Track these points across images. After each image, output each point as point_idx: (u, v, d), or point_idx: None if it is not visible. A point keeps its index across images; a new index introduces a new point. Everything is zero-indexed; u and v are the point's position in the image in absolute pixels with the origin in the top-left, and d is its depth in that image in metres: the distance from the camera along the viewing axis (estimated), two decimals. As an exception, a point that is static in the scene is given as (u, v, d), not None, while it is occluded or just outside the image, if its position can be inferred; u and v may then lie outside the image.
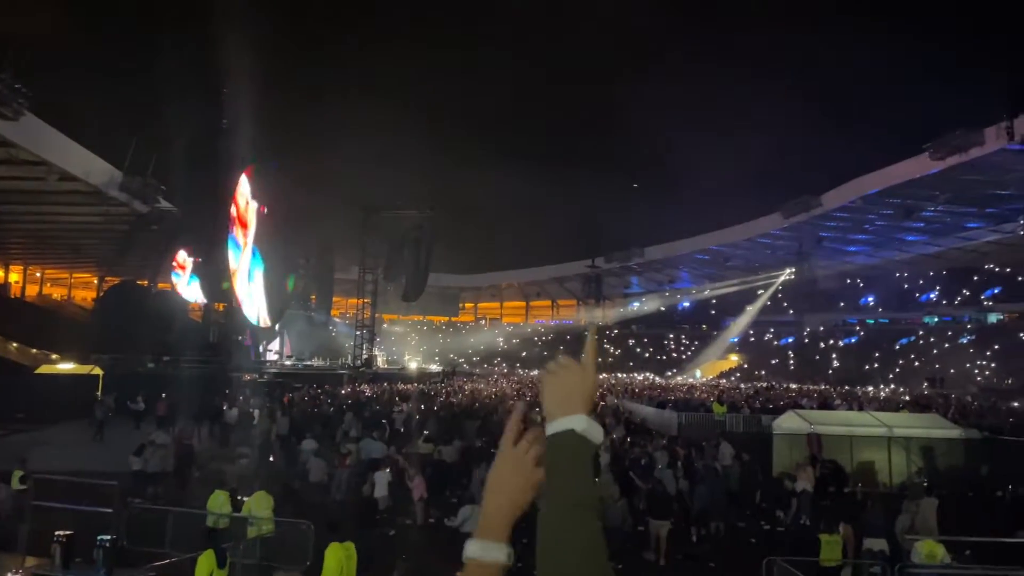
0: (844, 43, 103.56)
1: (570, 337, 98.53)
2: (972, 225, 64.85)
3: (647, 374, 79.64)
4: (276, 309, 52.52)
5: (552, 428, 1.29)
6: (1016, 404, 37.32)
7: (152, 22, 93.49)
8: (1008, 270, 66.25)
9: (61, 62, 69.81)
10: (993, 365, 58.93)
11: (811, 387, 55.90)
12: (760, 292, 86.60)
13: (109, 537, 9.08)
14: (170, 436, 19.21)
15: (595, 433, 1.28)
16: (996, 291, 68.66)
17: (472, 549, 1.29)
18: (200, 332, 42.22)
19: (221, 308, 44.59)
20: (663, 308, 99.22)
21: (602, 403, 34.61)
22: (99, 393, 29.22)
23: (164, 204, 45.08)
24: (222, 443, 22.24)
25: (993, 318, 68.14)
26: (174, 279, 46.40)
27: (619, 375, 79.15)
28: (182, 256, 45.62)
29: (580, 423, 1.28)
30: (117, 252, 49.94)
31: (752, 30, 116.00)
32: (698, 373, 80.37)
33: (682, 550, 13.28)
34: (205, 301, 43.79)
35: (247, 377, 39.98)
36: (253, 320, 47.89)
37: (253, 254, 47.51)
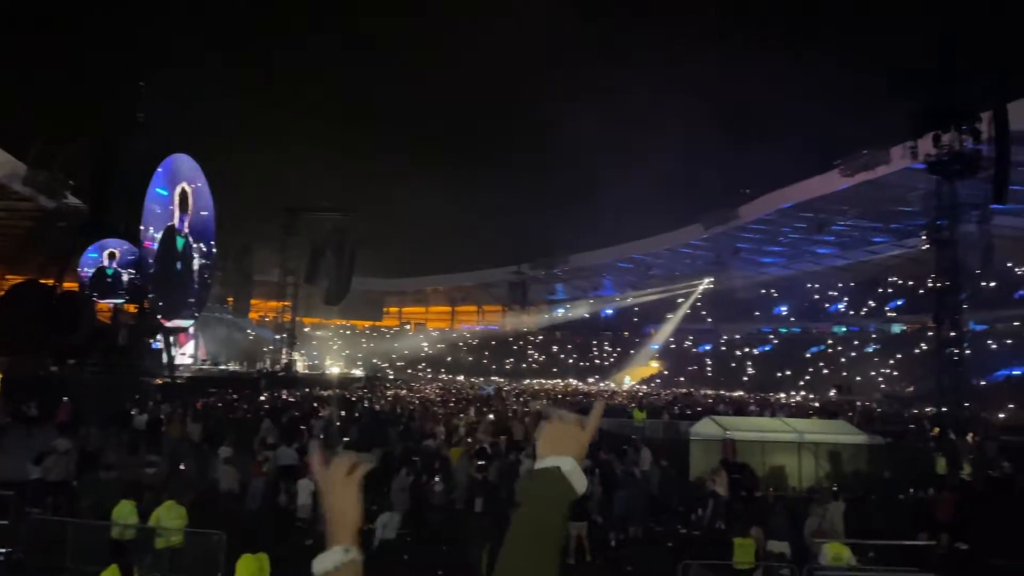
0: (764, 61, 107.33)
1: (495, 343, 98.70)
2: (878, 240, 68.09)
3: (570, 380, 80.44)
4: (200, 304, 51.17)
5: (541, 463, 1.37)
6: (916, 411, 39.23)
7: (67, 11, 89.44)
8: (911, 283, 69.65)
9: (-39, 47, 66.01)
10: (895, 374, 61.82)
11: (727, 393, 57.51)
12: (680, 300, 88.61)
13: (4, 551, 8.54)
14: (73, 443, 18.25)
15: (579, 480, 1.34)
16: (899, 303, 72.09)
17: (325, 564, 1.39)
18: (108, 334, 40.38)
19: (132, 309, 42.80)
20: (587, 315, 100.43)
21: (525, 409, 34.73)
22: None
23: (72, 200, 43.05)
24: (130, 450, 21.29)
25: (896, 329, 71.49)
26: (87, 272, 43.69)
27: (543, 381, 79.66)
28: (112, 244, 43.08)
29: (567, 464, 1.34)
30: (20, 249, 47.42)
31: (672, 47, 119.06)
32: (628, 380, 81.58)
33: (601, 555, 13.39)
34: (126, 298, 41.68)
35: (158, 381, 38.50)
36: (179, 318, 46.48)
37: (177, 246, 46.12)
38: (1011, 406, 42.62)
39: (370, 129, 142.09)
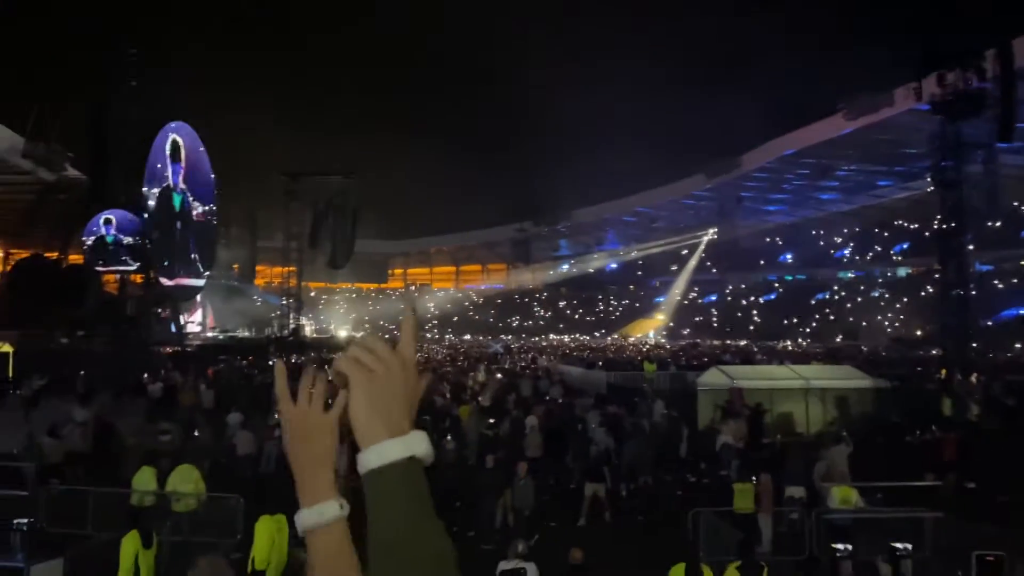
0: (763, 3, 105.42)
1: (500, 301, 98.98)
2: (882, 183, 67.60)
3: (577, 335, 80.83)
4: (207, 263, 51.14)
5: (380, 456, 0.93)
6: (923, 354, 39.38)
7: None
8: (916, 226, 69.33)
9: (-50, 21, 65.14)
10: (902, 317, 61.90)
11: (733, 343, 57.76)
12: (685, 252, 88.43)
13: (26, 520, 8.71)
14: (89, 413, 18.51)
15: (431, 455, 0.96)
16: (905, 246, 71.86)
17: (307, 519, 1.03)
18: (117, 305, 40.58)
19: (139, 280, 42.95)
20: (591, 270, 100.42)
21: (533, 365, 35.00)
22: (11, 371, 27.96)
23: (72, 172, 42.90)
24: (146, 418, 21.58)
25: (902, 272, 71.39)
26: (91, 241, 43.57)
27: (551, 337, 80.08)
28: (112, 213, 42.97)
29: (421, 444, 0.95)
30: (23, 223, 47.44)
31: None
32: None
33: (612, 505, 13.61)
34: (128, 265, 41.71)
35: (168, 350, 38.78)
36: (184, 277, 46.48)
37: (174, 204, 45.92)
38: (1017, 345, 42.78)
39: (369, 90, 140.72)
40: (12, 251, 50.09)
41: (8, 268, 48.33)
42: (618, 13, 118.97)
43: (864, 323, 63.38)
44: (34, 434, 15.11)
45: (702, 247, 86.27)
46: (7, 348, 30.38)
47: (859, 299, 70.01)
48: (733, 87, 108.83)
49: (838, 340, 57.33)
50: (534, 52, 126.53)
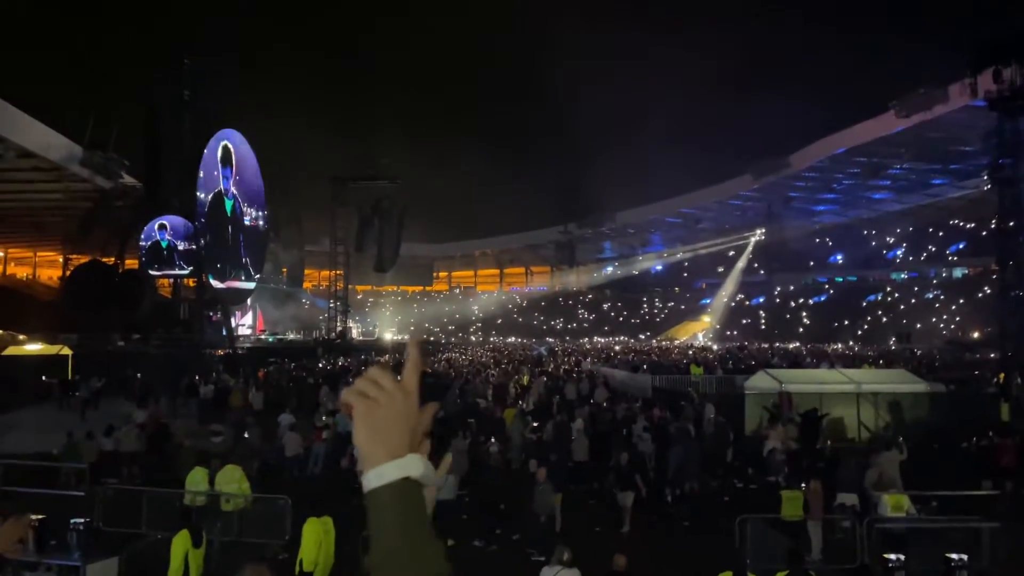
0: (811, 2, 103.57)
1: (544, 304, 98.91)
2: (937, 182, 65.73)
3: (621, 337, 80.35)
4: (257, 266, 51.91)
5: (379, 476, 0.98)
6: (979, 356, 38.20)
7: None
8: (972, 225, 67.34)
9: (17, 38, 67.74)
10: (958, 319, 60.16)
11: (782, 346, 56.79)
12: (732, 253, 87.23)
13: (83, 520, 8.99)
14: (146, 414, 19.04)
15: (430, 476, 1.02)
16: (961, 246, 69.85)
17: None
18: (170, 309, 41.68)
19: (192, 284, 44.00)
20: (636, 272, 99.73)
21: (577, 368, 34.90)
22: (70, 373, 28.89)
23: (128, 179, 44.20)
24: (199, 420, 22.11)
25: (958, 273, 69.40)
26: (147, 245, 44.45)
27: (596, 339, 79.75)
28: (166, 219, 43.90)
29: (417, 465, 1.00)
30: (81, 229, 49.00)
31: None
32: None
33: (657, 511, 13.47)
34: (183, 269, 42.63)
35: (220, 353, 39.64)
36: (235, 280, 47.28)
37: (226, 209, 46.80)
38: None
39: (415, 95, 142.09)
40: (71, 256, 51.72)
41: (67, 273, 49.91)
42: (664, 13, 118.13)
43: (918, 325, 61.74)
44: (73, 434, 15.52)
45: (749, 248, 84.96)
46: (67, 351, 31.42)
47: (913, 301, 68.27)
48: (781, 85, 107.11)
49: (891, 343, 55.91)
50: (579, 54, 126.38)
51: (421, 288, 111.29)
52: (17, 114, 36.58)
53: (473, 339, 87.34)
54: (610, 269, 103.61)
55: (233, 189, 48.10)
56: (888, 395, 19.92)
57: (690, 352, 50.39)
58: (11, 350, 32.86)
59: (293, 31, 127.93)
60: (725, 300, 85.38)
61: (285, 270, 72.39)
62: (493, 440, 15.41)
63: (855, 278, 79.65)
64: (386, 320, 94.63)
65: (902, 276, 74.82)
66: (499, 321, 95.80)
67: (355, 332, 70.67)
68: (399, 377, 1.07)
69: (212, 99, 43.57)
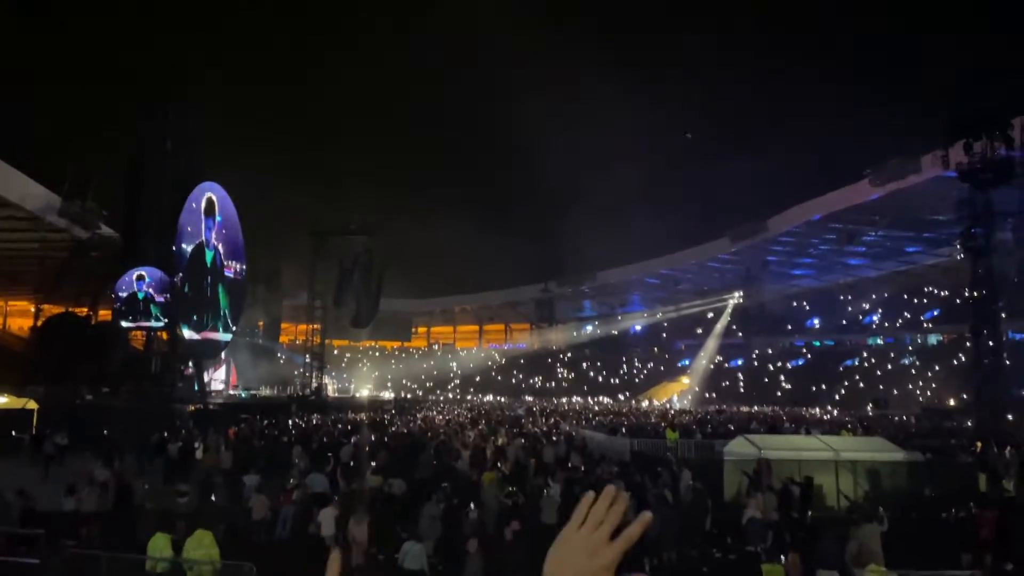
0: (788, 69, 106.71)
1: (523, 361, 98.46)
2: (911, 249, 67.01)
3: (601, 397, 79.94)
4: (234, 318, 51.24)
5: None
6: (956, 424, 38.31)
7: (93, 43, 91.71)
8: (946, 293, 68.38)
9: (-2, 84, 68.00)
10: (934, 385, 60.53)
11: (761, 409, 56.69)
12: (711, 316, 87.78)
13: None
14: (109, 472, 18.41)
15: None
16: (935, 313, 70.75)
17: None
18: (142, 362, 40.93)
19: (165, 337, 43.34)
20: (615, 331, 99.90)
21: (556, 430, 34.54)
22: (34, 428, 28.05)
23: (105, 230, 43.86)
24: (164, 479, 21.42)
25: (933, 339, 70.13)
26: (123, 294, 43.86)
27: (575, 399, 79.27)
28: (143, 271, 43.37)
29: None
30: (56, 279, 48.38)
31: (696, 59, 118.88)
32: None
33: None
34: (159, 320, 41.98)
35: (191, 408, 38.85)
36: (216, 335, 46.65)
37: (206, 260, 46.40)
38: (1055, 417, 41.46)
39: (396, 151, 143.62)
40: (43, 306, 50.94)
41: (38, 323, 49.10)
42: (645, 77, 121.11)
43: (895, 391, 62.05)
44: (3, 492, 14.75)
45: (728, 310, 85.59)
46: (32, 405, 30.58)
47: (889, 366, 68.72)
48: (758, 151, 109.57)
49: (868, 408, 56.03)
50: (560, 115, 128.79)
51: (399, 344, 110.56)
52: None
53: (451, 396, 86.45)
54: (590, 328, 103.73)
55: (215, 240, 47.93)
56: (866, 463, 19.83)
57: (670, 414, 50.11)
58: (-25, 402, 32.00)
59: (275, 86, 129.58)
60: (703, 361, 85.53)
61: (261, 324, 71.68)
62: (472, 506, 15.03)
63: (832, 342, 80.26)
64: (363, 376, 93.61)
65: (878, 341, 75.50)
66: (478, 378, 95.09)
67: (330, 388, 69.69)
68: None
69: (193, 150, 43.68)
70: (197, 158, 44.35)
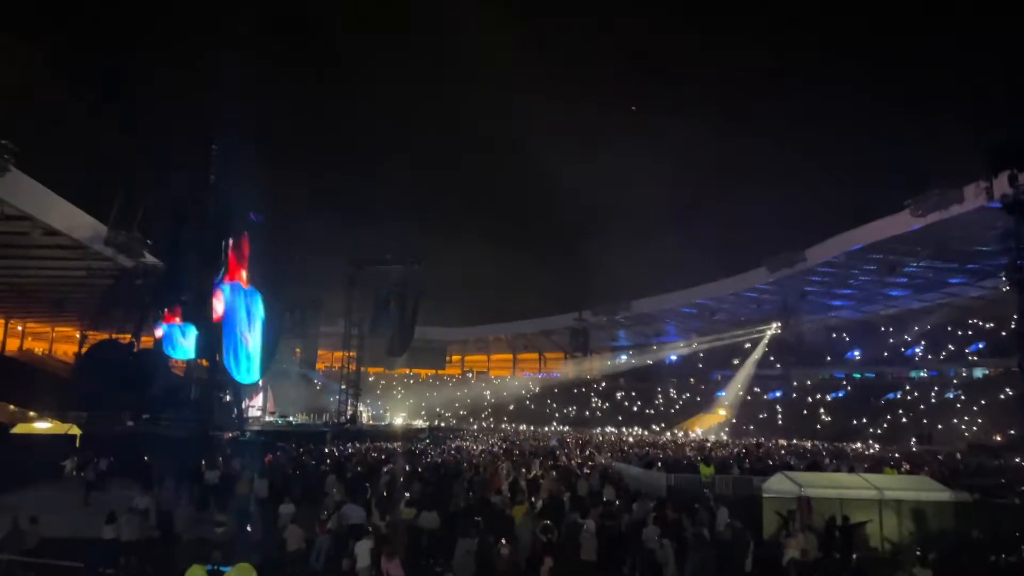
0: (830, 98, 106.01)
1: (557, 391, 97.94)
2: (954, 280, 65.51)
3: (636, 428, 79.10)
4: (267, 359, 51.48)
5: None
6: (1003, 462, 37.14)
7: (138, 79, 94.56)
8: (991, 325, 66.70)
9: (49, 117, 70.28)
10: (980, 421, 58.85)
11: (800, 443, 55.58)
12: (748, 346, 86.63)
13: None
14: (151, 500, 18.56)
15: None
16: (980, 346, 69.00)
17: None
18: (181, 389, 41.52)
19: (205, 364, 43.93)
20: (651, 361, 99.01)
21: (590, 463, 34.16)
22: (77, 454, 28.52)
23: (150, 259, 44.89)
24: (200, 508, 21.58)
25: (979, 373, 68.31)
26: (160, 332, 45.01)
27: (609, 429, 78.56)
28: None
29: None
30: (100, 306, 49.53)
31: (741, 86, 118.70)
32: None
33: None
34: (193, 356, 42.70)
35: (229, 435, 39.23)
36: (247, 373, 46.99)
37: (253, 301, 46.79)
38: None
39: (432, 180, 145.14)
40: (88, 333, 52.11)
41: (82, 350, 50.20)
42: (683, 102, 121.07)
43: (939, 426, 60.42)
44: (18, 519, 14.74)
45: (765, 341, 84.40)
46: (75, 430, 31.20)
47: (933, 400, 67.01)
48: (798, 180, 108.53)
49: (911, 444, 54.59)
50: (597, 143, 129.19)
51: (434, 372, 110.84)
52: (45, 192, 37.53)
53: (484, 425, 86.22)
54: (624, 358, 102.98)
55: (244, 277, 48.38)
56: (911, 503, 19.27)
57: (707, 447, 49.32)
58: (20, 428, 32.74)
59: (315, 116, 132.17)
60: (740, 392, 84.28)
61: (299, 351, 72.42)
62: (504, 542, 14.87)
63: (873, 375, 78.58)
64: (397, 403, 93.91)
65: (921, 374, 73.74)
66: (511, 407, 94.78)
67: (365, 416, 70.00)
68: None
69: (236, 181, 44.50)
70: (240, 191, 45.18)
